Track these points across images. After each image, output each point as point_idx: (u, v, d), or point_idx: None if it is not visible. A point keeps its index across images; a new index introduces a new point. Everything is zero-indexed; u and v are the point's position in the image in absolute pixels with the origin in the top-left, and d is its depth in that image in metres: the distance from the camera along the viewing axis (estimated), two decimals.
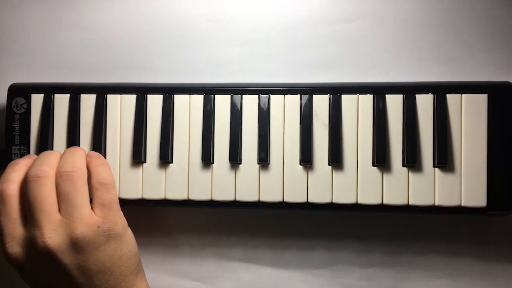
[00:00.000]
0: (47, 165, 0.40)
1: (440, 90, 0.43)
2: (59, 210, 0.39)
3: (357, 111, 0.44)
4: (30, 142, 0.46)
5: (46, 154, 0.42)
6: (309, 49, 0.48)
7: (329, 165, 0.44)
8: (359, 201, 0.43)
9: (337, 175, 0.43)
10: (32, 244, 0.38)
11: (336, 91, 0.44)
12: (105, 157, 0.45)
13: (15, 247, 0.39)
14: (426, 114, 0.43)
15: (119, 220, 0.41)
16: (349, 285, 0.47)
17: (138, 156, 0.45)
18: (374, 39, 0.47)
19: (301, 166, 0.44)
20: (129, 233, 0.42)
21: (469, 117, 0.43)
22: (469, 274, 0.46)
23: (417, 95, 0.43)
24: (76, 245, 0.38)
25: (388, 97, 0.43)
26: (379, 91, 0.44)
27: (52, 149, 0.46)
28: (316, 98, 0.44)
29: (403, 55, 0.47)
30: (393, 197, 0.43)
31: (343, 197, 0.43)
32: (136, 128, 0.45)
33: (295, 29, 0.48)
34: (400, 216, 0.46)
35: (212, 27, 0.49)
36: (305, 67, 0.48)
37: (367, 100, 0.44)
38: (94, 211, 0.40)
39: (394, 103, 0.43)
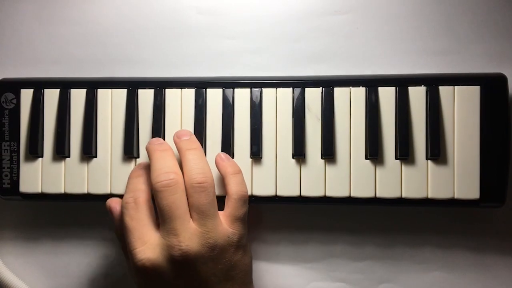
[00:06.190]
0: (173, 171, 0.39)
1: (432, 82, 0.43)
2: (191, 218, 0.39)
3: (350, 104, 0.43)
4: (20, 138, 0.46)
5: (161, 157, 0.41)
6: (301, 42, 0.48)
7: (322, 158, 0.43)
8: (352, 194, 0.43)
9: (330, 168, 0.43)
10: (167, 251, 0.37)
11: (328, 84, 0.44)
12: (96, 152, 0.45)
13: (147, 252, 0.38)
14: (419, 107, 0.43)
15: (246, 232, 0.41)
16: (342, 279, 0.47)
17: (129, 151, 0.44)
18: (366, 31, 0.47)
19: (294, 160, 0.43)
20: (248, 245, 0.42)
21: (462, 109, 0.43)
22: (462, 266, 0.46)
23: (409, 88, 0.43)
24: (210, 254, 0.38)
25: (381, 89, 0.43)
26: (371, 84, 0.43)
27: (43, 144, 0.45)
28: (309, 91, 0.44)
29: (395, 47, 0.47)
30: (386, 190, 0.43)
31: (336, 190, 0.43)
32: (127, 123, 0.45)
33: (287, 22, 0.48)
34: (393, 209, 0.46)
35: (203, 20, 0.49)
36: (297, 60, 0.48)
37: (359, 93, 0.43)
38: (223, 220, 0.40)
39: (387, 96, 0.43)
